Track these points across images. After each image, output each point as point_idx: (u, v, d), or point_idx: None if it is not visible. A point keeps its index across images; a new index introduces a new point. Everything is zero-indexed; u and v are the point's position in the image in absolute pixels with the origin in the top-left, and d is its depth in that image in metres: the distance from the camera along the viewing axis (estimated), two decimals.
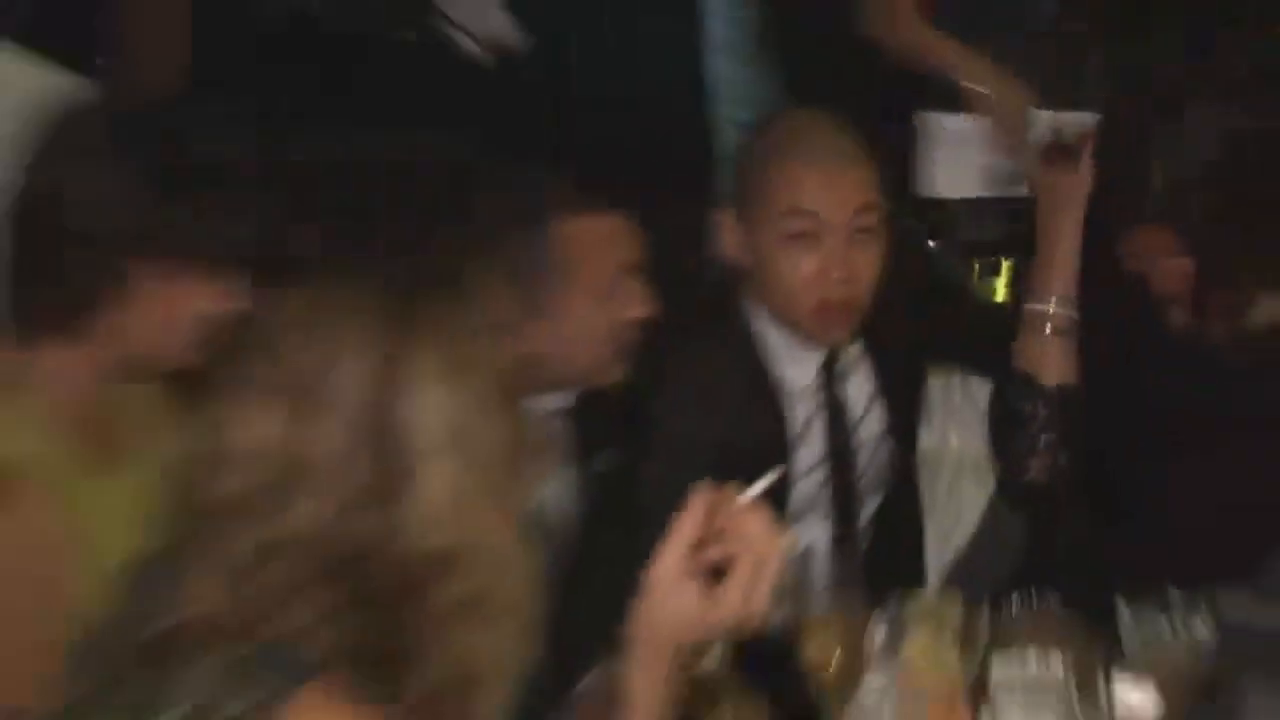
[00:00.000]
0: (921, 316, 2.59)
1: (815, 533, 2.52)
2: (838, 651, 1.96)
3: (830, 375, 2.51)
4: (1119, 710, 1.94)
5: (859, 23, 3.02)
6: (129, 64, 3.16)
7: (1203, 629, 2.05)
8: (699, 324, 2.51)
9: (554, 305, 2.28)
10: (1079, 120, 2.52)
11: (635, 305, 2.35)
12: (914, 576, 2.61)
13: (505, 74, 3.44)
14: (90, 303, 1.97)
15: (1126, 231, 2.49)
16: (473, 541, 1.49)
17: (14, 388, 1.99)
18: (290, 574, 1.45)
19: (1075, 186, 2.45)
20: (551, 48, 3.51)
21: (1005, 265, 3.32)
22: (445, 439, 1.47)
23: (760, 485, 1.69)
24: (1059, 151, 2.50)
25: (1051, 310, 2.46)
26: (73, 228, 1.96)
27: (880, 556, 2.55)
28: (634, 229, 2.37)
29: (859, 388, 2.55)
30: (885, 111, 2.61)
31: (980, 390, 2.62)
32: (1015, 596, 2.11)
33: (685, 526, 1.66)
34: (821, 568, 1.98)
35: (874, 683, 1.99)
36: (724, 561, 1.66)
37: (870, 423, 2.57)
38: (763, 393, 2.48)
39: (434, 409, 1.47)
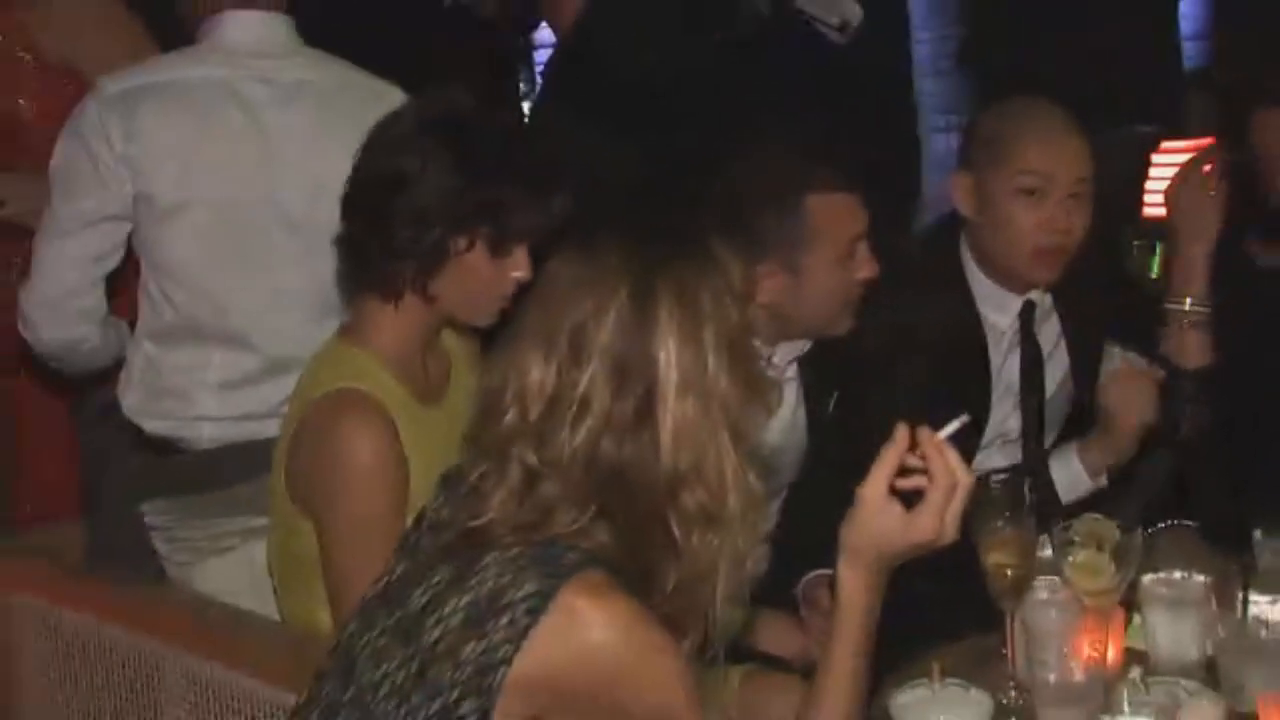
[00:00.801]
0: (1101, 283, 2.88)
1: (999, 459, 2.83)
2: (1014, 561, 2.08)
3: (1030, 318, 2.85)
4: (1252, 624, 2.03)
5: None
6: None
7: None
8: (913, 278, 2.82)
9: (802, 267, 2.64)
10: (1207, 150, 2.79)
11: (866, 268, 2.69)
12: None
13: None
14: (422, 272, 2.22)
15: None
16: (709, 463, 1.66)
17: (362, 340, 2.28)
18: (561, 490, 1.65)
19: (1208, 208, 2.73)
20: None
21: (1160, 245, 3.51)
22: (684, 380, 1.64)
23: (951, 428, 1.82)
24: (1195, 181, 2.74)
25: (1188, 308, 2.75)
26: (410, 208, 2.19)
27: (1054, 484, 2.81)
28: (863, 204, 2.70)
29: (1049, 333, 2.88)
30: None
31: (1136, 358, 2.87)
32: (1164, 525, 2.32)
33: (891, 455, 1.79)
34: (1004, 490, 2.12)
35: (1042, 590, 2.16)
36: (919, 491, 1.80)
37: (1056, 365, 2.90)
38: (970, 332, 2.82)
39: (674, 355, 1.64)
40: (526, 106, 4.85)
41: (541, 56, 5.17)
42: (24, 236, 2.84)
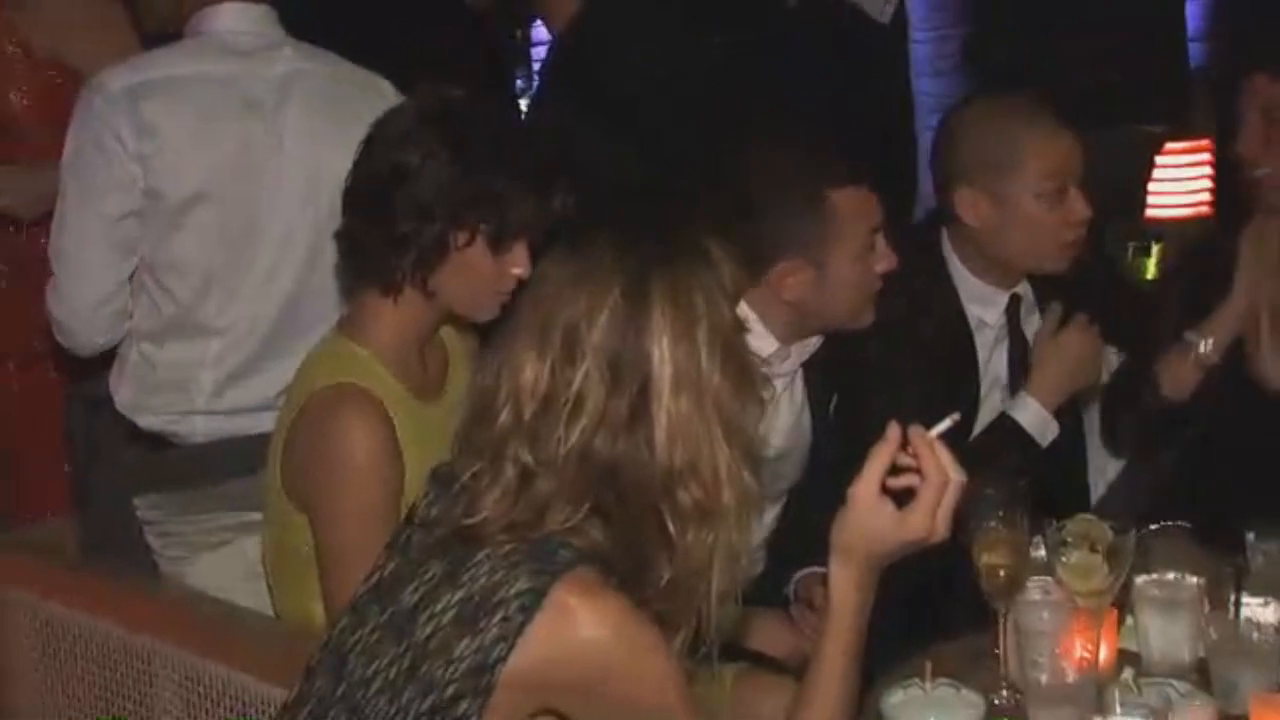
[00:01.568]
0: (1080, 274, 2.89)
1: None
2: (1007, 561, 2.08)
3: (1016, 312, 2.88)
4: (1244, 626, 2.03)
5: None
6: None
7: None
8: (899, 280, 2.79)
9: (827, 262, 2.64)
10: None
11: (885, 260, 2.70)
12: (1077, 500, 2.87)
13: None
14: (422, 266, 2.22)
15: None
16: (704, 459, 1.66)
17: (360, 335, 2.28)
18: (555, 488, 1.65)
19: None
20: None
21: (1156, 247, 3.54)
22: (678, 377, 1.64)
23: (941, 426, 1.82)
24: None
25: (1203, 350, 2.77)
26: (411, 202, 2.19)
27: (1048, 480, 2.78)
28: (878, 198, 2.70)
29: (1032, 324, 2.90)
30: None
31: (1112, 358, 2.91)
32: (1156, 526, 2.31)
33: (883, 454, 1.78)
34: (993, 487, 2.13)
35: (1035, 590, 2.15)
36: (910, 490, 1.79)
37: None
38: (957, 330, 2.84)
39: (668, 352, 1.64)
40: (523, 103, 4.85)
41: (538, 54, 5.17)
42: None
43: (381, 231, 2.22)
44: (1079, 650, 1.96)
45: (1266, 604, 2.07)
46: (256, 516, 2.44)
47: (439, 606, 1.65)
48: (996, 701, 2.07)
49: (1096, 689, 1.93)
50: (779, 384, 2.72)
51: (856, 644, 1.82)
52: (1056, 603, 2.11)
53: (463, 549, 1.68)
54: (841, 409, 2.86)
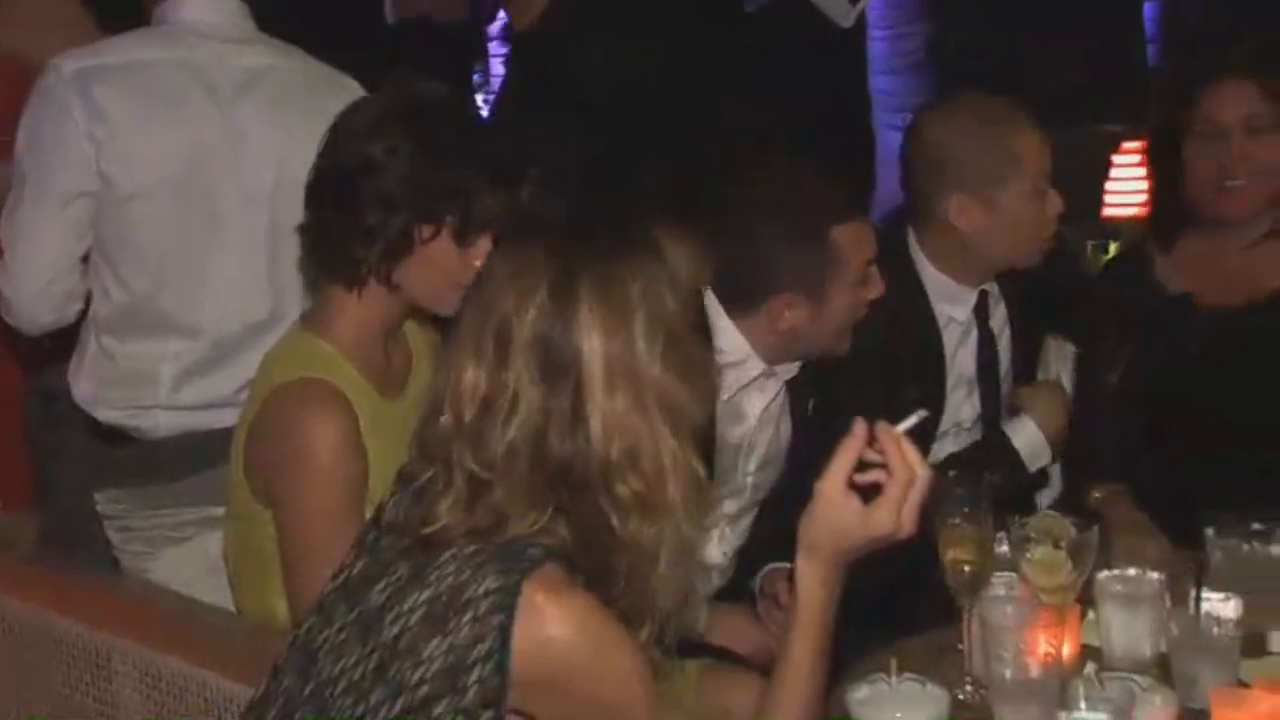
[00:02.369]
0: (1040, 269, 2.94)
1: (953, 448, 2.88)
2: (971, 556, 2.09)
3: (986, 308, 2.92)
4: (1205, 621, 2.04)
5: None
6: None
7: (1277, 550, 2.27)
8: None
9: (825, 296, 2.66)
10: None
11: (875, 287, 2.72)
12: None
13: None
14: (387, 259, 2.21)
15: None
16: (645, 452, 1.64)
17: (324, 329, 2.26)
18: (508, 494, 1.64)
19: None
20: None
21: (1114, 245, 3.57)
22: (609, 371, 1.63)
23: (909, 422, 1.83)
24: None
25: None
26: (376, 194, 2.18)
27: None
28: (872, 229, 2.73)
29: (998, 318, 2.97)
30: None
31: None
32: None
33: (849, 449, 1.79)
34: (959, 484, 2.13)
35: (999, 586, 2.17)
36: (877, 485, 1.79)
37: (1005, 349, 2.98)
38: (925, 327, 2.88)
39: (599, 346, 1.63)
40: (480, 99, 4.85)
41: (496, 49, 5.16)
42: None
43: (347, 223, 2.22)
44: (1043, 645, 1.97)
45: (1227, 599, 2.08)
46: (219, 511, 2.42)
47: (406, 605, 1.65)
48: (961, 696, 2.08)
49: (1060, 684, 1.94)
50: (763, 399, 2.75)
51: (823, 639, 1.82)
52: (1021, 598, 2.13)
53: (424, 554, 1.67)
54: (818, 410, 2.88)
